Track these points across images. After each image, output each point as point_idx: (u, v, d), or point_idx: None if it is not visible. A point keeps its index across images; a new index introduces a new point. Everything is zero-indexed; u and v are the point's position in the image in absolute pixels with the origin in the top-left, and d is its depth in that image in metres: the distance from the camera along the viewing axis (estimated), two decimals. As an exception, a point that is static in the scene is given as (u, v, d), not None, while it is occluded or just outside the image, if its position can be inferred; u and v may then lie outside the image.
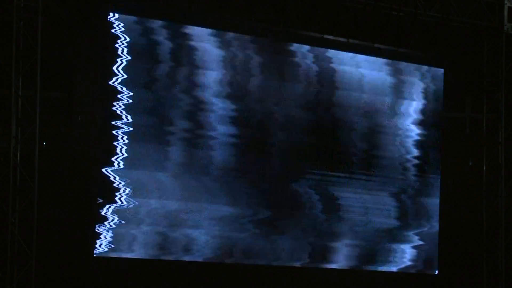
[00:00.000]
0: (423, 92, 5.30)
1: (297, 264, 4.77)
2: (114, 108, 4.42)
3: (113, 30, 4.41)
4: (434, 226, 5.20)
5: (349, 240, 4.94)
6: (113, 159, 4.39)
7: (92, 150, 4.45)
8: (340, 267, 4.72)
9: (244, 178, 4.86)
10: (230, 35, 4.80)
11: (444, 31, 5.37)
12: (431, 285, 5.03)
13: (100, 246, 4.25)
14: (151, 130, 4.55)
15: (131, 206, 4.44)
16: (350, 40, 4.91)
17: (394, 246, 4.92)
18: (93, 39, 4.43)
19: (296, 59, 4.97)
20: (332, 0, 5.08)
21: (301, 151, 5.03)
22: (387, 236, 5.02)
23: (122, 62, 4.44)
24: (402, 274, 4.48)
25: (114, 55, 4.44)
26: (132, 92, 4.48)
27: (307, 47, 4.95)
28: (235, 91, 4.87)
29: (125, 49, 4.45)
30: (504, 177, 5.54)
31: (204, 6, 4.73)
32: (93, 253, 4.05)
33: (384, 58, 5.23)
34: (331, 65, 5.09)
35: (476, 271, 5.51)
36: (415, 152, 5.24)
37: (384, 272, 4.44)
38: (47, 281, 4.50)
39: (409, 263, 4.36)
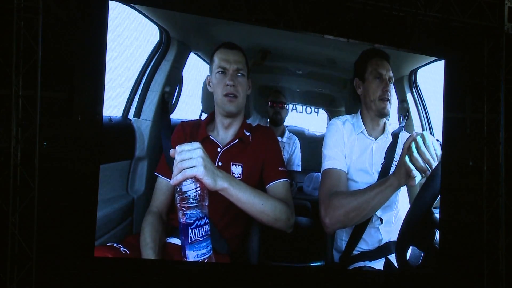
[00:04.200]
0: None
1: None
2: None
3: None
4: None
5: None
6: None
7: (92, 150, 4.45)
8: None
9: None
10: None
11: (444, 31, 5.38)
12: (430, 284, 5.03)
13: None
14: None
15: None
16: (351, 40, 4.89)
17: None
18: (94, 38, 4.42)
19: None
20: (332, 0, 5.09)
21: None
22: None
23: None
24: (402, 273, 4.47)
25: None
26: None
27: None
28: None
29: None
30: (504, 177, 5.55)
31: (203, 7, 4.72)
32: (93, 253, 4.03)
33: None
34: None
35: (476, 271, 5.53)
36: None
37: (383, 271, 4.43)
38: (47, 281, 4.51)
39: (408, 262, 4.35)
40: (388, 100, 4.39)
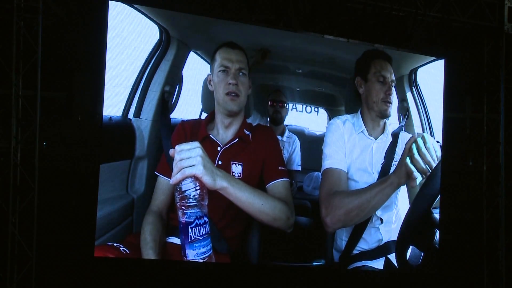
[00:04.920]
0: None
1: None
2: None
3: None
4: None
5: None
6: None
7: (92, 150, 4.45)
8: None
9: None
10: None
11: (444, 31, 5.38)
12: (430, 284, 5.02)
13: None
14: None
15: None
16: (350, 40, 4.90)
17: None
18: (94, 38, 4.42)
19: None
20: (332, 0, 5.09)
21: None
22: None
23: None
24: (402, 273, 4.47)
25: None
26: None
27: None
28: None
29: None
30: (504, 177, 5.54)
31: (203, 7, 4.72)
32: (93, 253, 4.03)
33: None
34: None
35: (476, 271, 5.52)
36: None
37: (384, 271, 4.43)
38: (47, 281, 4.51)
39: (408, 262, 4.36)
40: (390, 102, 4.41)
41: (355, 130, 4.42)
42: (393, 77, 4.45)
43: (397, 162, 4.41)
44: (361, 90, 4.46)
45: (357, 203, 4.06)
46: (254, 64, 4.44)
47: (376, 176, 4.40)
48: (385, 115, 4.43)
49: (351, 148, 4.39)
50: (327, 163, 4.32)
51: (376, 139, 4.45)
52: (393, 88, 4.45)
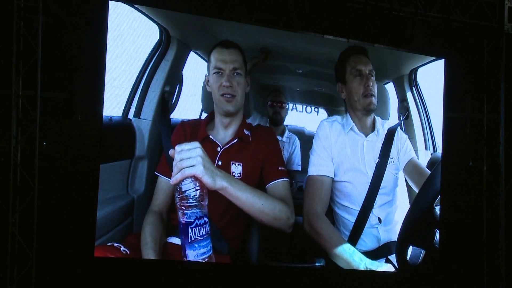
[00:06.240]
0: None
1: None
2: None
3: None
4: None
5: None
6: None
7: (92, 150, 4.45)
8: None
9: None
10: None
11: (444, 31, 5.38)
12: (430, 284, 5.02)
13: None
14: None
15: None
16: (350, 41, 4.90)
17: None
18: (94, 38, 4.42)
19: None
20: (332, 0, 5.09)
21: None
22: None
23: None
24: (402, 273, 4.47)
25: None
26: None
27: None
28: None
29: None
30: (504, 177, 5.54)
31: (203, 7, 4.72)
32: (93, 253, 4.03)
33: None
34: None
35: (476, 271, 5.52)
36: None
37: (383, 271, 4.43)
38: (47, 281, 4.51)
39: (408, 262, 4.36)
40: (372, 95, 4.37)
41: (344, 130, 4.41)
42: (370, 67, 4.40)
43: (393, 159, 4.41)
44: (343, 94, 4.44)
45: (323, 243, 4.24)
46: (255, 66, 4.44)
47: (371, 175, 4.39)
48: (370, 109, 4.40)
49: (341, 149, 4.38)
50: (310, 170, 4.38)
51: (366, 136, 4.43)
52: (373, 79, 4.40)
